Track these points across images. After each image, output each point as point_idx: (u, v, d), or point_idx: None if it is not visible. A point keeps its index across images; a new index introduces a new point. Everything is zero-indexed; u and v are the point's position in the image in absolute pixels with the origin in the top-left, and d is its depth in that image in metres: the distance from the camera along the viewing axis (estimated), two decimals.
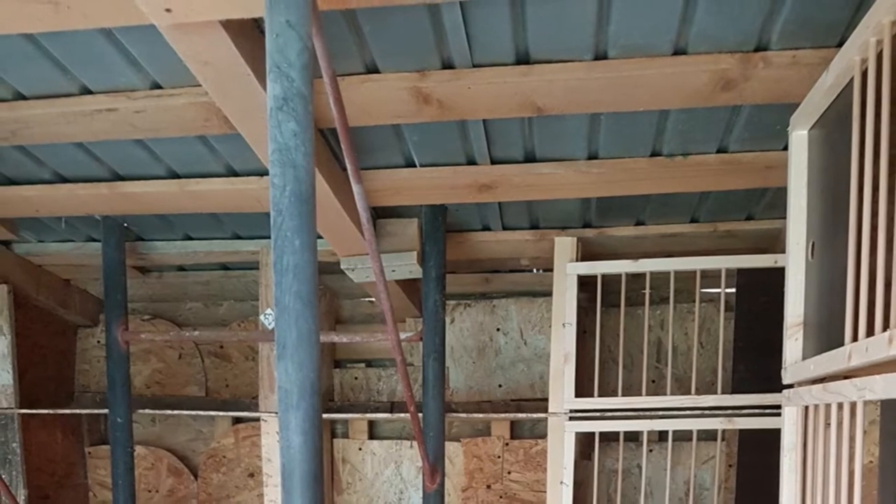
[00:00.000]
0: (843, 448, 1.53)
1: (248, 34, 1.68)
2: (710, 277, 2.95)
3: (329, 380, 3.78)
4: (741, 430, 3.04)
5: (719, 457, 3.09)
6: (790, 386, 1.86)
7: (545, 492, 2.97)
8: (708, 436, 3.23)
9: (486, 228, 2.93)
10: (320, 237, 2.65)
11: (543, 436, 3.40)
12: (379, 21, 1.70)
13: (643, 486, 3.10)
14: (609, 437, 3.26)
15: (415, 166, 2.41)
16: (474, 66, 1.87)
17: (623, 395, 2.92)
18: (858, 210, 1.46)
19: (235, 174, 2.49)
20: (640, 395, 2.88)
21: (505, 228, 2.93)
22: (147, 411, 3.52)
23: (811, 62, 1.77)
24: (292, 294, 1.18)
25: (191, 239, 3.13)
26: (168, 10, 1.47)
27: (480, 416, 3.42)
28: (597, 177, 2.37)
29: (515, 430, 3.64)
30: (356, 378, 3.81)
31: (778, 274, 2.00)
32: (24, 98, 2.07)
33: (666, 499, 2.96)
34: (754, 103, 1.96)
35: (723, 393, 2.82)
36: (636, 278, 3.01)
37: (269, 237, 1.31)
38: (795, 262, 1.84)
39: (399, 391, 3.77)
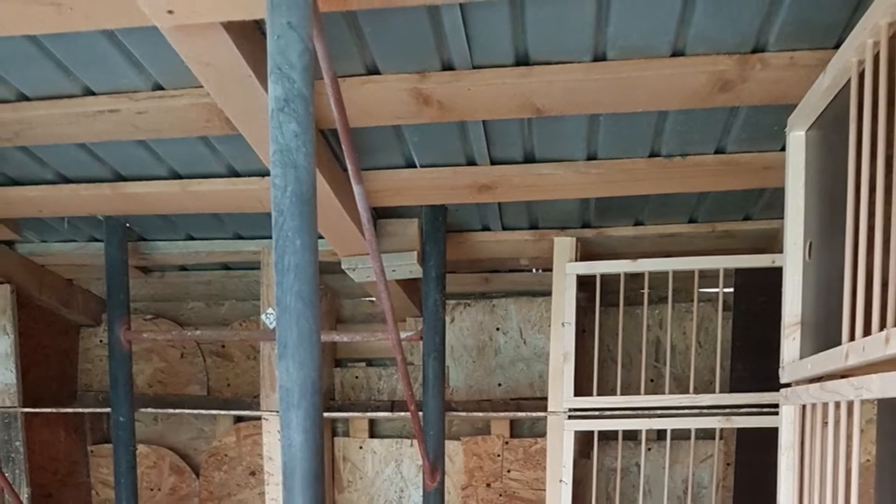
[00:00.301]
0: (841, 447, 1.54)
1: (249, 36, 1.69)
2: (709, 277, 2.96)
3: (330, 379, 3.79)
4: (739, 429, 3.04)
5: (717, 455, 3.11)
6: (788, 385, 1.86)
7: (544, 490, 2.98)
8: (706, 434, 3.24)
9: (486, 228, 2.94)
10: (321, 237, 2.66)
11: (543, 434, 3.41)
12: (379, 22, 1.71)
13: (642, 484, 3.11)
14: (608, 436, 3.28)
15: (415, 167, 2.42)
16: (474, 67, 1.88)
17: (622, 394, 2.92)
18: (855, 210, 1.46)
19: (237, 175, 2.50)
20: (638, 394, 2.89)
21: (504, 228, 2.94)
22: (149, 410, 3.53)
23: (809, 63, 1.78)
24: (293, 294, 1.19)
25: (193, 239, 3.14)
26: (170, 12, 1.48)
27: (480, 414, 3.43)
28: (596, 177, 2.38)
29: (515, 429, 3.65)
30: (357, 377, 3.82)
31: (776, 274, 2.01)
32: (27, 99, 2.08)
33: (664, 497, 2.97)
34: (752, 104, 1.96)
35: (721, 392, 2.83)
36: (635, 278, 3.02)
37: (270, 237, 1.32)
38: (793, 262, 1.85)
39: (399, 390, 3.78)
